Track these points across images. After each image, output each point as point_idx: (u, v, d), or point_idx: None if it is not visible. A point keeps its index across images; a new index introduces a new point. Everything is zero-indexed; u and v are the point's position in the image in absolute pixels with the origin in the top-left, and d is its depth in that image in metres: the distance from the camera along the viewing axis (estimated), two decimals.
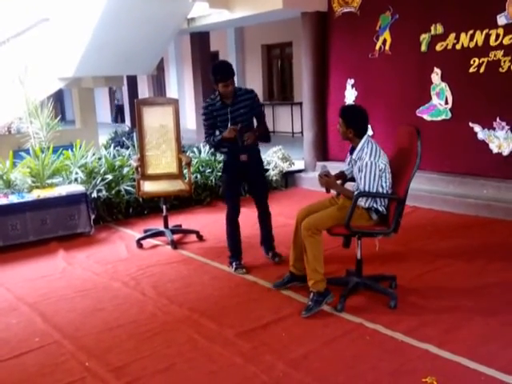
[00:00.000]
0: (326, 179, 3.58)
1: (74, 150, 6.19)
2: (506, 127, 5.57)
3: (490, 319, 3.24)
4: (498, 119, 5.63)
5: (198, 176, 6.55)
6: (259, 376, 2.74)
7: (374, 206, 3.50)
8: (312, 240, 3.40)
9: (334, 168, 3.85)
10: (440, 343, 2.96)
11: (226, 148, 4.18)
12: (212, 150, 4.12)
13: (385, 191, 3.48)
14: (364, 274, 3.68)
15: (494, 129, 5.68)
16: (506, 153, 5.63)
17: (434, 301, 3.54)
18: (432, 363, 2.79)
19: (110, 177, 5.90)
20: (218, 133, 4.18)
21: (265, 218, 4.36)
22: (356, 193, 3.45)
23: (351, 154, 3.62)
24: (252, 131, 4.11)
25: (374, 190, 3.44)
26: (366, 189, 3.43)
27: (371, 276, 3.76)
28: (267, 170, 6.94)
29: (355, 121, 3.52)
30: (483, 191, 5.68)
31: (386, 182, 3.48)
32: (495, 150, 5.70)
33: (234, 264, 4.28)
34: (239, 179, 4.31)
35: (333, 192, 3.76)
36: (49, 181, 5.62)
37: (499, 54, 5.52)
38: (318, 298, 3.43)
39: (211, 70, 4.05)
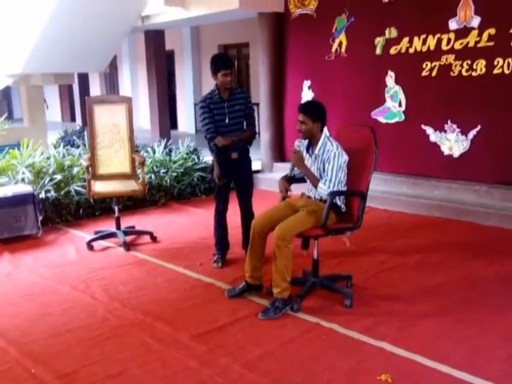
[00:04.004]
0: (297, 155, 3.56)
1: (21, 148, 5.95)
2: (457, 130, 5.73)
3: (442, 317, 3.29)
4: (449, 122, 5.78)
5: (153, 176, 6.42)
6: (214, 379, 2.68)
7: (338, 203, 3.53)
8: (286, 250, 3.33)
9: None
10: (394, 341, 2.99)
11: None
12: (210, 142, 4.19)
13: (341, 186, 3.51)
14: (320, 274, 3.68)
15: (445, 131, 5.83)
16: (456, 155, 5.79)
17: (389, 299, 3.58)
18: (387, 361, 2.81)
19: (59, 177, 5.69)
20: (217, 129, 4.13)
21: (248, 219, 4.16)
22: (327, 190, 3.43)
23: (308, 151, 3.62)
24: (227, 136, 4.10)
25: (338, 181, 3.46)
26: (333, 180, 3.44)
27: (327, 276, 3.77)
28: (257, 171, 6.93)
29: (320, 114, 3.55)
30: (435, 192, 5.82)
31: (344, 177, 3.52)
32: (446, 152, 5.86)
33: (214, 256, 4.33)
34: (229, 176, 4.27)
35: (289, 193, 3.73)
36: None
37: (450, 58, 5.67)
38: (280, 304, 3.38)
39: (211, 59, 4.12)
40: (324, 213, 3.33)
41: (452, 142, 5.78)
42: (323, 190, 3.45)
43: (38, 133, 7.95)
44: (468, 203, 5.45)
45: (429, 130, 5.96)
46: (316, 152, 3.56)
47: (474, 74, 5.54)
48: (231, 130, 4.13)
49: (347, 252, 4.36)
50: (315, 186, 3.51)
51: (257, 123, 4.52)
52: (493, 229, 5.07)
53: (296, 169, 3.66)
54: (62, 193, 5.63)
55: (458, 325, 3.18)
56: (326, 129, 3.58)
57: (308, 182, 3.67)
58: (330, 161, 3.44)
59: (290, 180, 3.73)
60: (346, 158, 3.49)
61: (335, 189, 3.45)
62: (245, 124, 4.28)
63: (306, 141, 3.64)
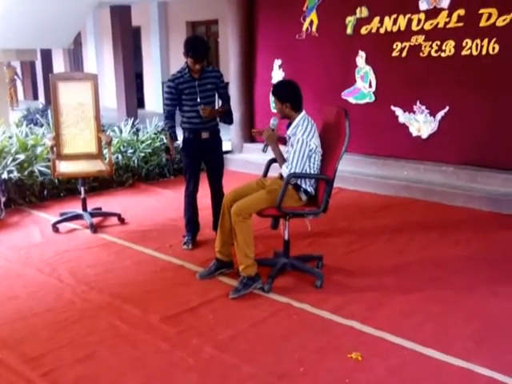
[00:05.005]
0: (268, 132, 3.53)
1: None
2: (426, 111, 5.78)
3: (410, 295, 3.35)
4: (418, 103, 5.82)
5: (120, 156, 6.29)
6: (186, 360, 2.67)
7: (303, 186, 3.50)
8: (243, 225, 3.34)
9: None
10: (364, 320, 3.03)
11: (187, 129, 4.14)
12: (166, 128, 4.26)
13: (312, 171, 3.49)
14: (291, 255, 3.68)
15: (414, 112, 5.88)
16: (424, 136, 5.84)
17: (358, 279, 3.62)
18: (357, 339, 2.85)
19: (22, 157, 5.52)
20: (186, 108, 4.09)
21: (219, 200, 4.04)
22: (287, 173, 3.41)
23: (287, 129, 3.59)
24: (211, 107, 4.09)
25: (301, 168, 3.43)
26: (294, 165, 3.42)
27: (298, 256, 3.77)
28: (227, 152, 6.87)
29: (287, 94, 3.50)
30: (403, 173, 5.89)
31: (314, 164, 3.49)
32: (415, 133, 5.91)
33: (184, 238, 4.28)
34: (199, 157, 4.23)
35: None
36: None
37: (420, 38, 5.69)
38: (248, 281, 3.38)
39: (185, 42, 4.01)
40: (280, 193, 3.32)
41: (420, 123, 5.84)
42: (284, 172, 3.46)
43: None
44: (435, 184, 5.53)
45: (398, 111, 5.99)
46: (288, 132, 3.54)
47: (442, 54, 5.57)
48: None
49: (317, 233, 4.38)
50: (280, 166, 3.51)
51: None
52: (459, 209, 5.17)
53: (267, 148, 3.63)
54: (26, 173, 5.46)
55: (425, 303, 3.25)
56: (304, 111, 3.52)
57: None
58: (294, 145, 3.43)
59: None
60: (313, 146, 3.43)
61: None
62: (218, 103, 4.23)
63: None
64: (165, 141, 6.87)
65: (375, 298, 3.32)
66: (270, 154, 3.67)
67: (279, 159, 3.54)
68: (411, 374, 2.54)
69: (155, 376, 2.55)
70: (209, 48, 4.13)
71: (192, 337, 2.88)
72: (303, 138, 3.40)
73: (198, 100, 4.05)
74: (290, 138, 3.54)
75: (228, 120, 4.28)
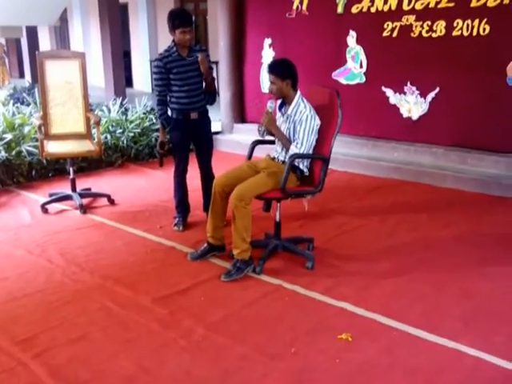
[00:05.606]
0: (269, 117, 3.48)
1: None
2: (416, 92, 5.76)
3: (400, 277, 3.37)
4: (408, 84, 5.80)
5: (108, 136, 6.22)
6: (178, 341, 2.68)
7: (300, 167, 3.49)
8: (244, 211, 3.31)
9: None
10: (355, 301, 3.05)
11: (176, 110, 4.08)
12: (158, 115, 4.19)
13: (310, 152, 3.48)
14: (282, 237, 3.69)
15: (404, 93, 5.86)
16: (415, 117, 5.84)
17: (349, 261, 3.64)
18: (347, 320, 2.87)
19: (9, 136, 5.45)
20: (175, 88, 4.01)
21: (209, 181, 4.03)
22: (290, 154, 3.39)
23: (280, 109, 3.55)
24: (199, 87, 4.04)
25: (310, 145, 3.42)
26: (304, 143, 3.39)
27: (289, 238, 3.78)
28: (217, 133, 6.81)
29: (288, 71, 3.45)
30: (394, 154, 5.89)
31: (314, 142, 3.47)
32: (405, 115, 5.90)
33: (175, 219, 4.26)
34: (188, 137, 4.19)
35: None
36: None
37: (411, 18, 5.64)
38: (241, 265, 3.38)
39: (168, 15, 3.92)
40: (283, 175, 3.31)
41: (411, 105, 5.83)
42: (293, 152, 3.42)
43: None
44: (425, 165, 5.54)
45: (389, 92, 5.97)
46: (288, 112, 3.48)
47: (433, 35, 5.53)
48: (191, 89, 4.03)
49: (308, 214, 4.38)
50: (287, 148, 3.46)
51: (216, 83, 4.39)
52: (449, 190, 5.19)
53: (266, 133, 3.59)
54: (13, 153, 5.40)
55: (415, 284, 3.28)
56: (299, 90, 3.49)
57: (276, 143, 3.63)
58: (302, 123, 3.39)
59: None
60: (318, 122, 3.43)
61: (305, 152, 3.42)
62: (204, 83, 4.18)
63: (280, 100, 3.56)
64: (154, 120, 6.81)
65: (366, 279, 3.34)
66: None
67: (285, 141, 3.49)
68: (401, 354, 2.57)
69: (147, 357, 2.56)
70: (192, 18, 4.03)
71: (184, 318, 2.89)
72: (311, 114, 3.39)
73: (190, 74, 3.96)
74: (289, 117, 3.49)
75: (211, 100, 4.22)
